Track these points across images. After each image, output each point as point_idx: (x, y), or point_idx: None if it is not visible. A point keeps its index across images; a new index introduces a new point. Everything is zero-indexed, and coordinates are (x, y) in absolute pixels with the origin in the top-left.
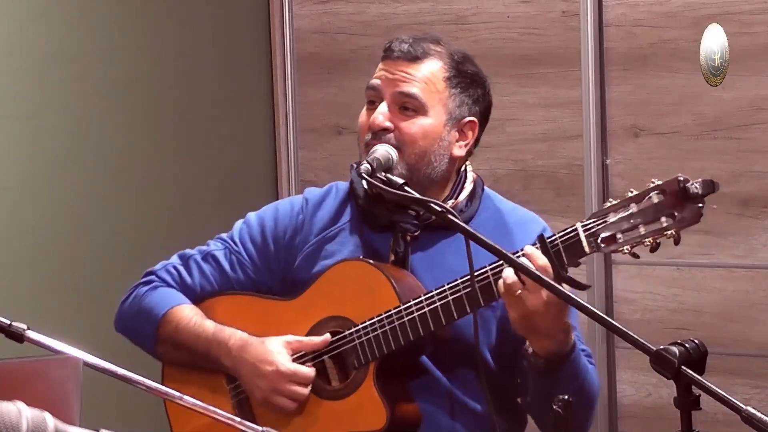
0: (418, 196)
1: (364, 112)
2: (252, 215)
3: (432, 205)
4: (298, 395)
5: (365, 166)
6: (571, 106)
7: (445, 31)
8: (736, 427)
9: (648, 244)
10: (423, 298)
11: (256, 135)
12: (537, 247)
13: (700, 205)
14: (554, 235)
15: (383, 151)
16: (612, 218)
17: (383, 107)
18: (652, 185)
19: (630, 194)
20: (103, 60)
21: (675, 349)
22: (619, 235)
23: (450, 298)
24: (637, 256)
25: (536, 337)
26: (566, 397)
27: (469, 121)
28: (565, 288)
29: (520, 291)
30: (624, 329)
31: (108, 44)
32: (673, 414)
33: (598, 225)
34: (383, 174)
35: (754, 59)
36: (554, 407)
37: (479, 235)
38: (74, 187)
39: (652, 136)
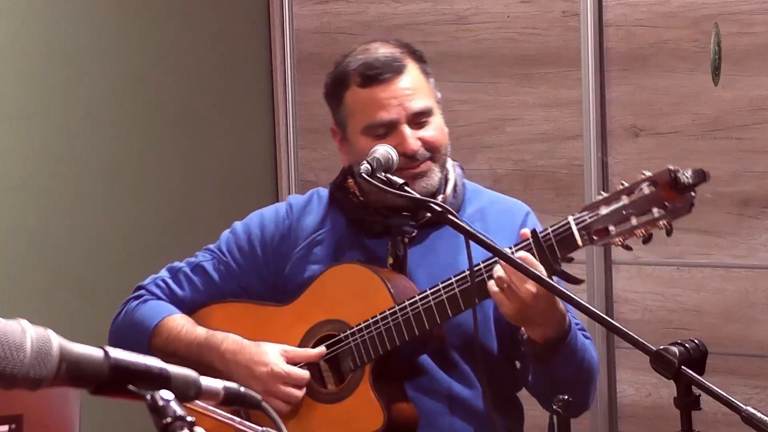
0: (418, 195)
1: (369, 142)
2: (238, 224)
3: (432, 204)
4: (292, 397)
5: (365, 166)
6: (571, 106)
7: (445, 31)
8: (736, 427)
9: (640, 235)
10: (417, 297)
11: (256, 135)
12: (529, 242)
13: (692, 194)
14: (547, 229)
15: (383, 151)
16: (604, 211)
17: (407, 131)
18: (643, 177)
19: (621, 186)
20: (103, 60)
21: (675, 349)
22: (611, 228)
23: (444, 296)
24: (630, 248)
25: (531, 327)
26: (566, 397)
27: (440, 98)
28: (563, 285)
29: (507, 285)
30: (624, 329)
31: (108, 44)
32: (673, 414)
33: (591, 218)
34: (383, 174)
35: (754, 59)
36: (554, 407)
37: (478, 233)
38: (74, 187)
39: (652, 136)
